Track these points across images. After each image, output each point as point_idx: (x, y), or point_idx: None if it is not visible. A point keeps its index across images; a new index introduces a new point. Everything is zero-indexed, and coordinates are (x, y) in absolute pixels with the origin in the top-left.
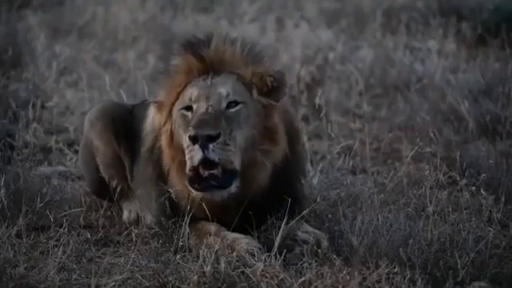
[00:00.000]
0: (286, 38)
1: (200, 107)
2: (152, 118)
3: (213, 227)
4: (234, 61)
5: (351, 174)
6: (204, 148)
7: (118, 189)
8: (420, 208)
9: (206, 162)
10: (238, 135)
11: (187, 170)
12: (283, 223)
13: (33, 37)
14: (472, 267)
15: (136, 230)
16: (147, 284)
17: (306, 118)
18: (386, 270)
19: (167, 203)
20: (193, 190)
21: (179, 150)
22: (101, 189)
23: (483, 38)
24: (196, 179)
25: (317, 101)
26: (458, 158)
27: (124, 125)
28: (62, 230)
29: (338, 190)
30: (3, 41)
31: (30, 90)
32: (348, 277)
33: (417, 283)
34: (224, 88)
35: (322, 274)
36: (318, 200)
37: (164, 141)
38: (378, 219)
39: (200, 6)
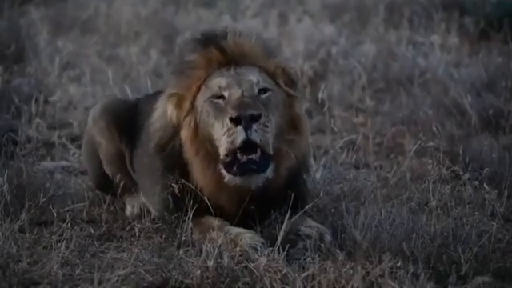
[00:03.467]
0: (289, 33)
1: (234, 93)
2: (169, 113)
3: (216, 222)
4: (253, 54)
5: (354, 168)
6: (247, 128)
7: (121, 184)
8: (423, 202)
9: (248, 144)
10: (272, 119)
11: (222, 155)
12: (286, 218)
13: (35, 32)
14: (475, 261)
15: (139, 225)
16: (150, 279)
17: (308, 113)
18: (389, 265)
19: (170, 198)
20: (229, 176)
21: (205, 141)
22: (104, 184)
23: (486, 33)
24: (233, 164)
25: (320, 95)
26: (460, 152)
27: (127, 121)
28: (65, 224)
29: (341, 185)
30: (6, 36)
31: (32, 84)
32: (351, 271)
33: (420, 278)
34: (253, 75)
35: (325, 269)
36: (321, 195)
37: (186, 134)
38: (380, 214)
39: (202, 1)
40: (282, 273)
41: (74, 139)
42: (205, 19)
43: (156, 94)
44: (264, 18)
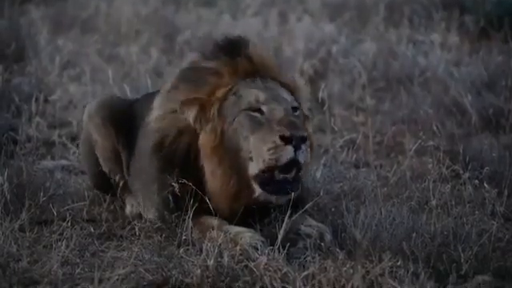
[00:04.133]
0: (289, 32)
1: (275, 109)
2: (191, 117)
3: (216, 221)
4: (271, 66)
5: (354, 167)
6: (297, 149)
7: (121, 183)
8: (423, 201)
9: (293, 163)
10: None
11: (258, 171)
12: (286, 217)
13: (36, 31)
14: (475, 260)
15: (139, 224)
16: (150, 278)
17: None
18: (389, 264)
19: (170, 197)
20: (263, 193)
21: (230, 151)
22: (103, 183)
23: (486, 31)
24: (269, 182)
25: (320, 94)
26: (461, 151)
27: (123, 119)
28: (65, 224)
29: (341, 184)
30: (6, 35)
31: (32, 84)
32: (351, 270)
33: (420, 277)
34: (285, 93)
35: (325, 268)
36: (321, 194)
37: (209, 141)
38: (381, 213)
39: (203, 0)
40: (282, 272)
41: (74, 138)
42: (205, 18)
43: (155, 94)
44: (264, 16)
